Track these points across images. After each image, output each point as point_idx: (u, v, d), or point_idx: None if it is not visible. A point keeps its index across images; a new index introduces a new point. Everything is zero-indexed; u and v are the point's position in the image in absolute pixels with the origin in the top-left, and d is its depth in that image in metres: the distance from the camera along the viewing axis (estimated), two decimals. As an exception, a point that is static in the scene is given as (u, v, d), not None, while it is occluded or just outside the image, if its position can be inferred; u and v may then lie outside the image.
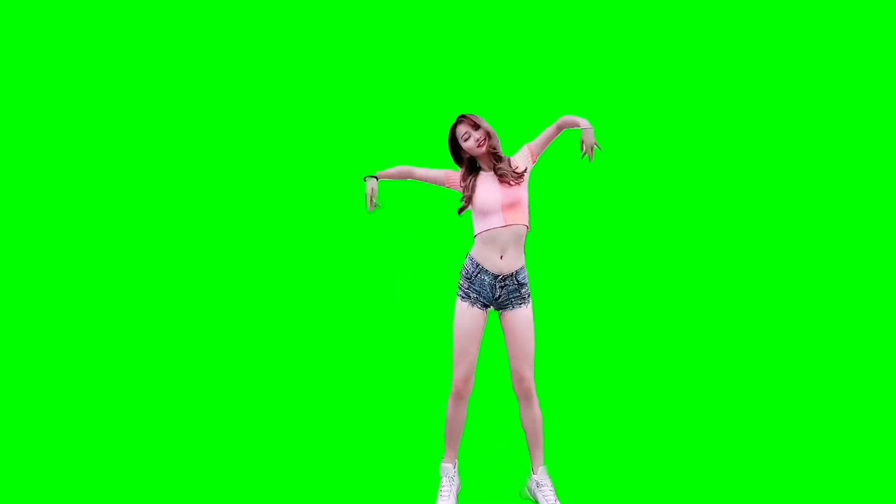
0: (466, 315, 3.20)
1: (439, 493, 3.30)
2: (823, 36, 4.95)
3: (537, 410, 3.28)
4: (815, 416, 4.21)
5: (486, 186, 3.19)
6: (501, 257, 3.16)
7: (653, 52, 5.02)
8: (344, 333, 4.94)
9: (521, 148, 3.31)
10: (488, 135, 3.21)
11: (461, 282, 3.22)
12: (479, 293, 3.19)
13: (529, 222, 3.22)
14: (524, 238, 3.22)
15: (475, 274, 3.18)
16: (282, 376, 4.79)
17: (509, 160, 3.26)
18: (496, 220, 3.16)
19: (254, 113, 5.08)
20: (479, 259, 3.18)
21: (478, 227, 3.20)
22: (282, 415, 4.45)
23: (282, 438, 4.15)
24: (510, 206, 3.16)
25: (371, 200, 3.28)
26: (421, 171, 3.33)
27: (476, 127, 3.22)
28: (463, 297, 3.21)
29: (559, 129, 3.25)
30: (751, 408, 4.32)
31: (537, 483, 3.30)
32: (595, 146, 3.13)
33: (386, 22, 5.05)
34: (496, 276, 3.17)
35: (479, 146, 3.20)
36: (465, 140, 3.23)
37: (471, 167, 3.27)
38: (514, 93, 4.87)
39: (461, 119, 3.25)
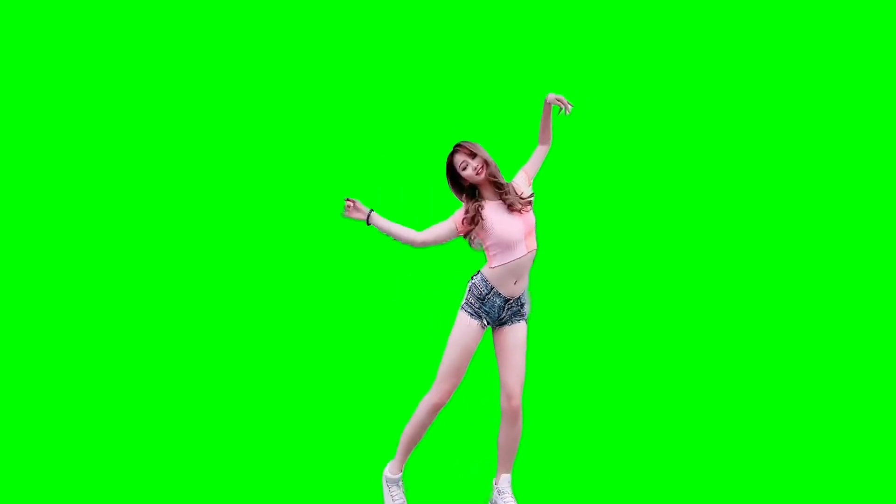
0: (471, 331, 3.16)
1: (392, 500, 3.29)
2: (822, 36, 5.00)
3: (519, 429, 3.25)
4: (813, 422, 4.22)
5: (501, 217, 3.13)
6: (516, 283, 3.15)
7: (649, 54, 5.05)
8: (333, 337, 4.92)
9: (518, 173, 3.28)
10: (486, 163, 3.14)
11: (470, 298, 3.17)
12: (488, 313, 3.17)
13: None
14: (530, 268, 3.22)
15: (487, 295, 3.15)
16: (262, 377, 4.76)
17: (511, 186, 3.21)
18: (519, 252, 3.12)
19: (253, 116, 5.05)
20: (494, 283, 3.14)
21: (498, 259, 3.12)
22: (262, 415, 4.42)
23: (263, 438, 4.13)
24: (529, 233, 3.16)
25: (350, 209, 3.23)
26: (417, 236, 3.21)
27: (473, 155, 3.13)
28: (471, 315, 3.16)
29: (543, 143, 3.29)
30: (747, 416, 4.32)
31: (499, 491, 3.29)
32: (562, 100, 3.19)
33: (384, 27, 5.03)
34: (507, 300, 3.16)
35: (477, 174, 3.12)
36: (464, 169, 3.14)
37: (471, 195, 3.19)
38: (511, 99, 4.84)
39: (457, 148, 3.16)
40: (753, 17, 5.02)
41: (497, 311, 3.17)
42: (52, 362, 4.73)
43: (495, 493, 3.31)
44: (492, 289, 3.15)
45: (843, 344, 4.79)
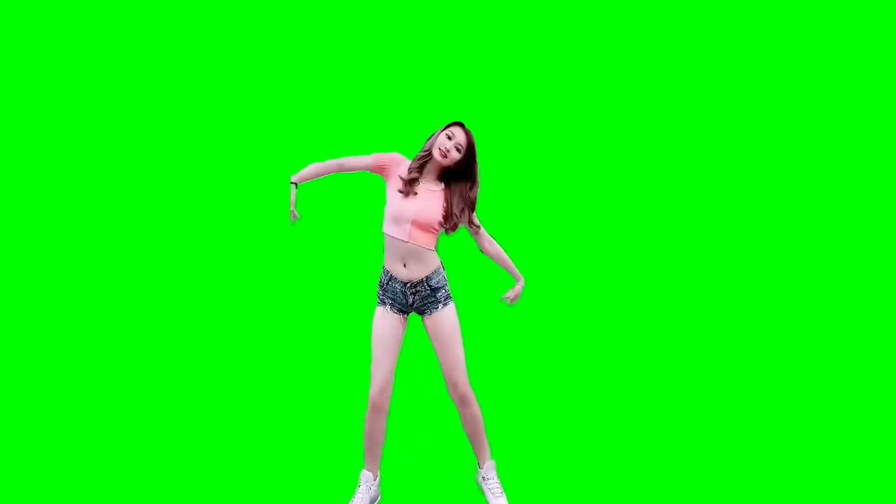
0: (383, 320, 3.13)
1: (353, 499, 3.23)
2: (821, 35, 4.95)
3: (474, 411, 3.15)
4: (807, 419, 4.17)
5: (413, 198, 3.06)
6: (404, 265, 3.08)
7: (644, 56, 5.02)
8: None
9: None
10: (469, 158, 3.07)
11: (378, 288, 3.17)
12: (393, 299, 3.12)
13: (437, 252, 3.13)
14: (427, 256, 3.11)
15: (387, 281, 3.13)
16: (255, 374, 4.71)
17: (471, 216, 3.14)
18: (400, 232, 3.05)
19: (244, 114, 5.03)
20: (387, 266, 3.12)
21: (385, 227, 3.11)
22: (256, 411, 4.36)
23: (257, 433, 4.09)
24: (423, 226, 3.05)
25: (292, 210, 3.19)
26: (346, 162, 3.19)
27: (464, 138, 3.07)
28: (381, 303, 3.15)
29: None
30: (737, 412, 4.27)
31: (483, 477, 3.25)
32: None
33: (381, 26, 5.03)
34: (405, 283, 3.10)
35: (443, 155, 3.04)
36: (449, 138, 3.05)
37: (421, 169, 3.11)
38: (502, 100, 4.86)
39: (460, 124, 3.10)
40: (748, 16, 5.01)
41: (401, 295, 3.10)
42: (38, 356, 4.71)
43: (480, 480, 3.26)
44: (388, 273, 3.11)
45: (836, 338, 4.72)
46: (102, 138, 5.00)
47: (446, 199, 3.10)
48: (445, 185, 3.12)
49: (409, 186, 3.07)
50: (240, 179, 4.93)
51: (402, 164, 3.13)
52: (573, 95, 4.88)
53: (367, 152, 3.19)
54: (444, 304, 3.11)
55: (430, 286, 3.10)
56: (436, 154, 3.05)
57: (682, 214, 4.97)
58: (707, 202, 4.98)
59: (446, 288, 3.13)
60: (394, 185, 3.10)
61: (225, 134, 5.00)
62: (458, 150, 3.06)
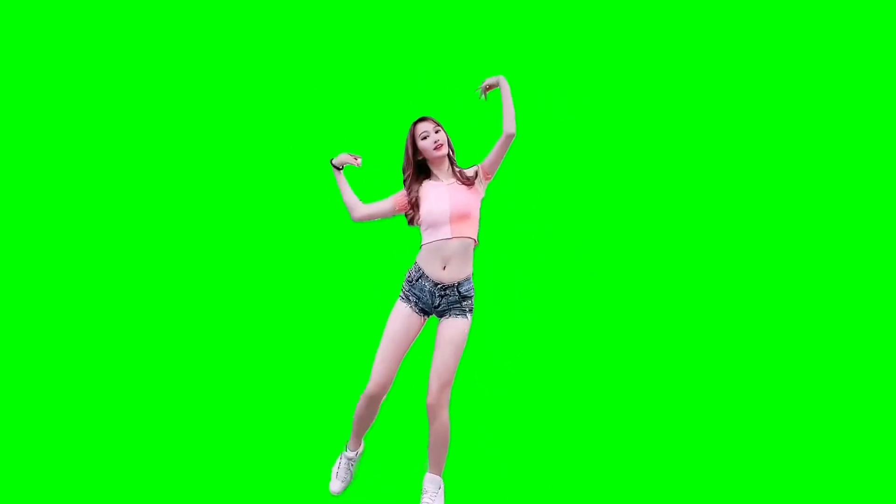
0: (401, 316, 3.12)
1: (336, 473, 3.37)
2: (820, 35, 4.95)
3: (439, 428, 3.10)
4: (808, 425, 4.18)
5: (435, 196, 3.12)
6: (444, 268, 3.09)
7: (644, 56, 4.98)
8: (321, 329, 4.81)
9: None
10: (448, 141, 3.16)
11: (404, 284, 3.17)
12: (419, 297, 3.12)
13: (478, 237, 3.16)
14: (471, 251, 3.15)
15: (416, 279, 3.12)
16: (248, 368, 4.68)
17: (461, 170, 3.20)
18: (443, 233, 3.07)
19: (237, 111, 4.97)
20: (422, 265, 3.12)
21: (425, 236, 3.13)
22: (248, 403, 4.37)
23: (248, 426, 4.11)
24: (459, 217, 3.09)
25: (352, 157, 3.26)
26: (364, 209, 3.26)
27: (437, 129, 3.14)
28: (403, 299, 3.15)
29: (503, 141, 3.19)
30: (724, 413, 4.29)
31: (424, 489, 3.20)
32: (486, 88, 3.18)
33: (378, 24, 4.99)
34: (436, 285, 3.10)
35: (435, 148, 3.12)
36: (424, 139, 3.14)
37: (418, 173, 3.18)
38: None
39: (424, 118, 3.17)
40: (745, 15, 5.03)
41: (428, 296, 3.10)
42: (34, 355, 4.65)
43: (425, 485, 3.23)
44: (420, 271, 3.11)
45: (837, 341, 4.72)
46: (107, 138, 4.94)
47: (465, 178, 3.16)
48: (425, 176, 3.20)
49: (418, 196, 3.15)
50: (241, 179, 4.90)
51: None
52: (573, 95, 4.86)
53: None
54: (465, 315, 3.13)
55: (459, 292, 3.12)
56: (430, 154, 3.14)
57: (683, 215, 4.96)
58: (707, 202, 4.97)
59: (472, 300, 3.15)
60: (417, 211, 3.16)
61: (226, 134, 4.96)
62: (438, 134, 3.15)
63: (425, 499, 3.17)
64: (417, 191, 3.14)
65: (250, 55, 4.95)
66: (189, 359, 4.66)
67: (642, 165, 4.96)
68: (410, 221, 3.19)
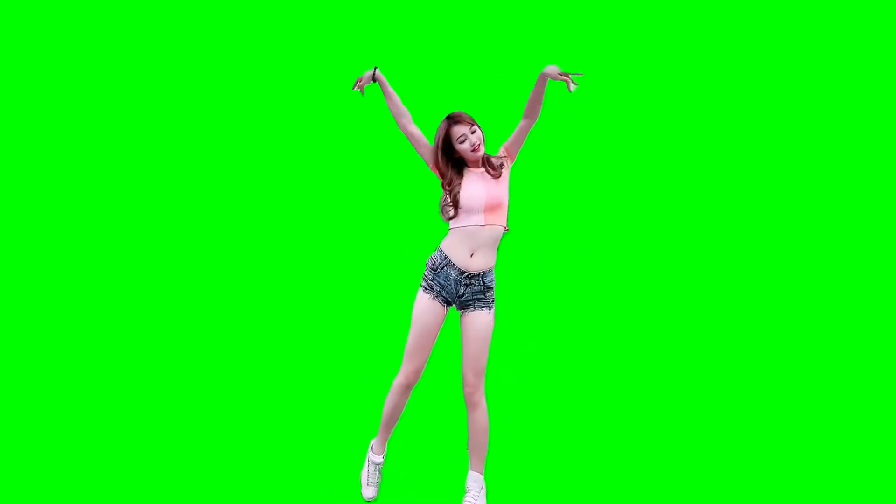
0: (427, 308, 3.12)
1: (367, 480, 3.34)
2: (820, 35, 4.96)
3: (479, 418, 3.16)
4: (810, 428, 4.21)
5: (471, 185, 3.12)
6: (472, 255, 3.09)
7: (644, 56, 5.00)
8: (324, 324, 4.90)
9: (500, 150, 3.26)
10: (483, 139, 3.15)
11: (426, 272, 3.15)
12: (442, 286, 3.11)
13: (508, 224, 3.17)
14: (499, 241, 3.16)
15: (441, 266, 3.11)
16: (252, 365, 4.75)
17: (490, 161, 3.21)
18: (477, 220, 3.09)
19: (228, 110, 5.01)
20: (448, 252, 3.11)
21: (455, 221, 3.12)
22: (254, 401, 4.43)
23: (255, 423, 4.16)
24: (493, 207, 3.10)
25: (361, 82, 3.21)
26: (407, 120, 3.21)
27: (473, 129, 3.13)
28: (426, 289, 3.14)
29: (528, 117, 3.18)
30: (734, 414, 4.33)
31: (467, 489, 3.23)
32: (567, 75, 3.06)
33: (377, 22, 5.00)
34: (462, 273, 3.10)
35: (473, 150, 3.12)
36: (462, 143, 3.12)
37: (456, 167, 3.17)
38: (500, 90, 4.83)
39: (459, 118, 3.15)
40: (749, 16, 5.02)
41: (453, 284, 3.10)
42: (33, 356, 4.70)
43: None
44: (446, 258, 3.10)
45: (829, 340, 4.78)
46: (113, 138, 5.00)
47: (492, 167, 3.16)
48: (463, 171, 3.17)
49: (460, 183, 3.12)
50: (242, 178, 4.96)
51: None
52: (573, 96, 4.82)
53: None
54: (489, 307, 3.14)
55: (484, 282, 3.12)
56: (468, 156, 3.12)
57: (683, 216, 4.98)
58: (707, 203, 4.99)
59: (494, 291, 3.16)
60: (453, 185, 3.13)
61: (227, 134, 5.00)
62: (474, 135, 3.11)
63: (468, 498, 3.18)
64: (459, 185, 3.13)
65: (253, 53, 4.99)
66: (201, 359, 4.72)
67: (661, 159, 4.98)
68: (451, 217, 3.14)
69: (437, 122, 3.23)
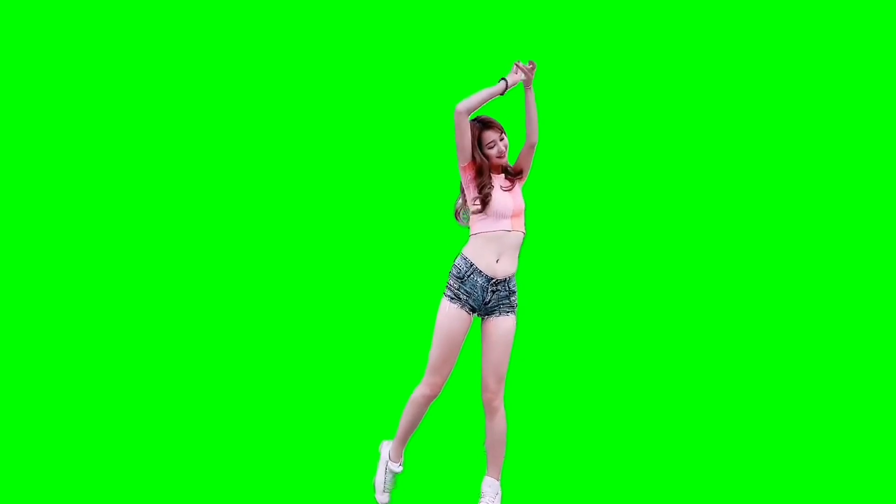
0: (454, 317, 3.06)
1: (383, 486, 3.32)
2: (821, 35, 4.95)
3: (498, 423, 3.13)
4: (811, 428, 4.19)
5: (498, 189, 3.11)
6: (497, 261, 3.06)
7: (643, 48, 4.99)
8: (333, 328, 4.88)
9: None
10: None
11: (451, 281, 3.09)
12: (469, 294, 3.06)
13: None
14: (520, 247, 3.14)
15: (468, 274, 3.06)
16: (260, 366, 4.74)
17: (509, 165, 3.21)
18: (504, 224, 3.07)
19: (237, 111, 5.00)
20: (473, 258, 3.05)
21: (481, 226, 3.07)
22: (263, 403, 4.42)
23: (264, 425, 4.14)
24: (518, 213, 3.11)
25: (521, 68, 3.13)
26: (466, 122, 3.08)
27: (502, 137, 3.13)
28: (452, 298, 3.07)
29: (527, 151, 3.21)
30: (740, 415, 4.31)
31: (482, 493, 3.20)
32: (524, 69, 3.09)
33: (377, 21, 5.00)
34: (489, 279, 3.06)
35: (499, 157, 3.12)
36: (492, 147, 3.11)
37: (479, 172, 3.12)
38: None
39: (491, 123, 3.13)
40: (750, 16, 5.01)
41: (480, 291, 3.06)
42: (35, 356, 4.69)
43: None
44: (472, 266, 3.06)
45: (832, 341, 4.77)
46: (125, 138, 4.99)
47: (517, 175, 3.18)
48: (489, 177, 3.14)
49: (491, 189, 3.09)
50: (245, 178, 4.95)
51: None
52: (573, 96, 4.83)
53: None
54: (512, 312, 3.13)
55: (509, 288, 3.11)
56: (494, 161, 3.12)
57: (684, 217, 4.96)
58: (707, 203, 4.98)
59: (517, 296, 3.16)
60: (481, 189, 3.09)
61: (229, 133, 5.00)
62: (502, 142, 3.13)
63: (483, 503, 3.16)
64: (491, 186, 3.09)
65: (259, 52, 4.98)
66: (216, 364, 4.72)
67: (665, 161, 4.98)
68: (478, 211, 3.08)
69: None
